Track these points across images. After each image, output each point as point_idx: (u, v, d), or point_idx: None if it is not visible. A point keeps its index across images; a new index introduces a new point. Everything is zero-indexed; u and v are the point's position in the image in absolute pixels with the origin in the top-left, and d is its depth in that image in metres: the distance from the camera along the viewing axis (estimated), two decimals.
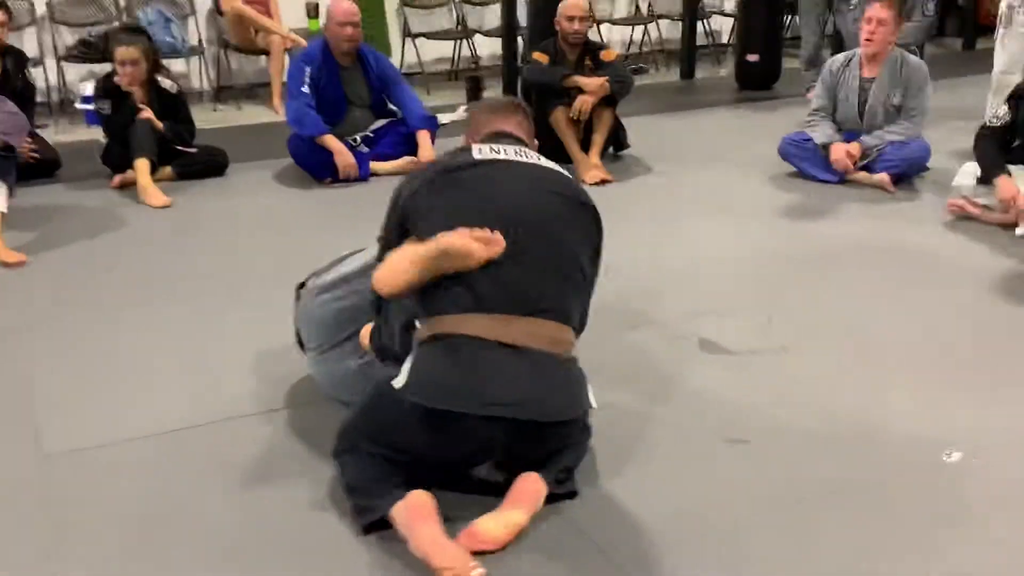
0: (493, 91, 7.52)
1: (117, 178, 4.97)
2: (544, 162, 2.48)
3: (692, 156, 5.58)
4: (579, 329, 2.42)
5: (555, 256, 2.31)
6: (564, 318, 2.30)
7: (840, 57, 5.16)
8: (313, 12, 7.66)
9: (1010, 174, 4.14)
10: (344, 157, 5.01)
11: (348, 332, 2.74)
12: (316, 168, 5.08)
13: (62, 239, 4.28)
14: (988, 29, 9.70)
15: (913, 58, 5.01)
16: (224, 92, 7.48)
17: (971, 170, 4.33)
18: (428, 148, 5.18)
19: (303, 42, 6.98)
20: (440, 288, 2.28)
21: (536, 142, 2.63)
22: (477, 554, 2.10)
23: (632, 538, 2.22)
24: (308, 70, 5.08)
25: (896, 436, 2.63)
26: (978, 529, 2.26)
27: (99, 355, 3.19)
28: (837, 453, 2.56)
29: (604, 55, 5.28)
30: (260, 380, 3.00)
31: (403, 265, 2.29)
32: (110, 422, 2.75)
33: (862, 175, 4.90)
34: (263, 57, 7.69)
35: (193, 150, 5.19)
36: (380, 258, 2.47)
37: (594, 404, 2.33)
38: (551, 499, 2.29)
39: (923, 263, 3.91)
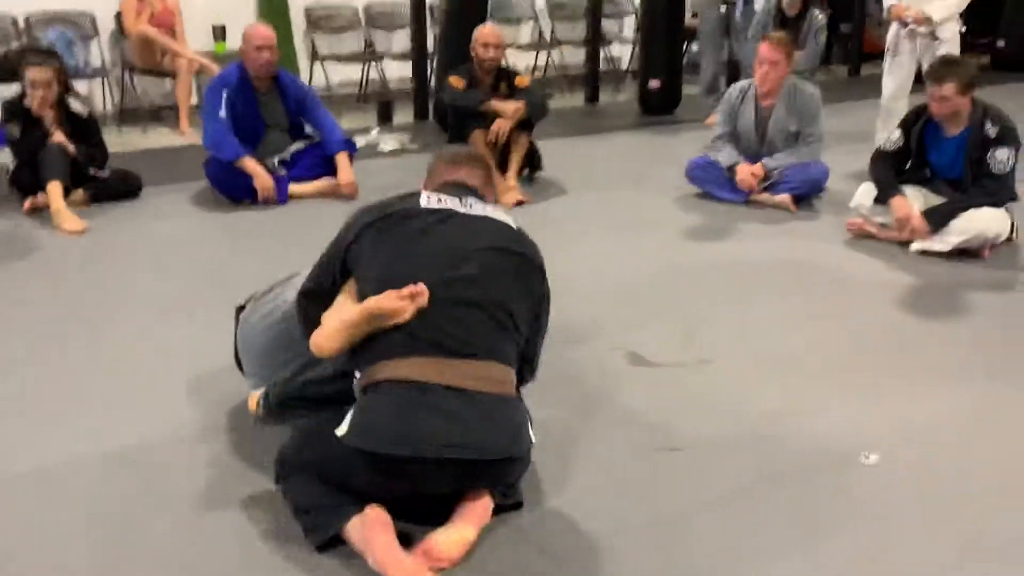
0: (404, 114, 7.60)
1: (28, 202, 4.87)
2: (492, 214, 2.52)
3: (603, 178, 5.76)
4: (527, 375, 2.54)
5: (488, 304, 2.34)
6: (501, 358, 2.34)
7: (738, 86, 5.41)
8: (219, 35, 7.64)
9: (904, 195, 4.41)
10: (263, 180, 5.02)
11: (283, 358, 2.77)
12: (234, 191, 5.08)
13: None
14: (872, 56, 10.28)
15: (807, 86, 5.28)
16: (128, 115, 7.38)
17: (868, 190, 4.60)
18: (347, 170, 5.23)
19: (212, 65, 6.96)
20: (377, 337, 2.32)
21: (493, 189, 2.72)
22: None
23: (582, 547, 2.32)
24: (225, 93, 5.08)
25: (816, 437, 2.81)
26: (891, 523, 2.43)
27: (27, 382, 3.14)
28: (763, 456, 2.71)
29: (518, 81, 5.44)
30: (199, 402, 3.01)
31: (336, 329, 2.35)
32: (46, 446, 2.73)
33: (764, 196, 5.15)
34: (167, 80, 7.64)
35: (106, 174, 5.12)
36: (304, 294, 2.54)
37: (533, 440, 2.38)
38: (497, 510, 2.37)
39: (829, 277, 4.15)
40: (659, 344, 3.43)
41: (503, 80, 5.43)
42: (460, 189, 2.56)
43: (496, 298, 2.37)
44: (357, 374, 2.38)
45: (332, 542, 2.26)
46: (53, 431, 2.83)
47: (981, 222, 4.22)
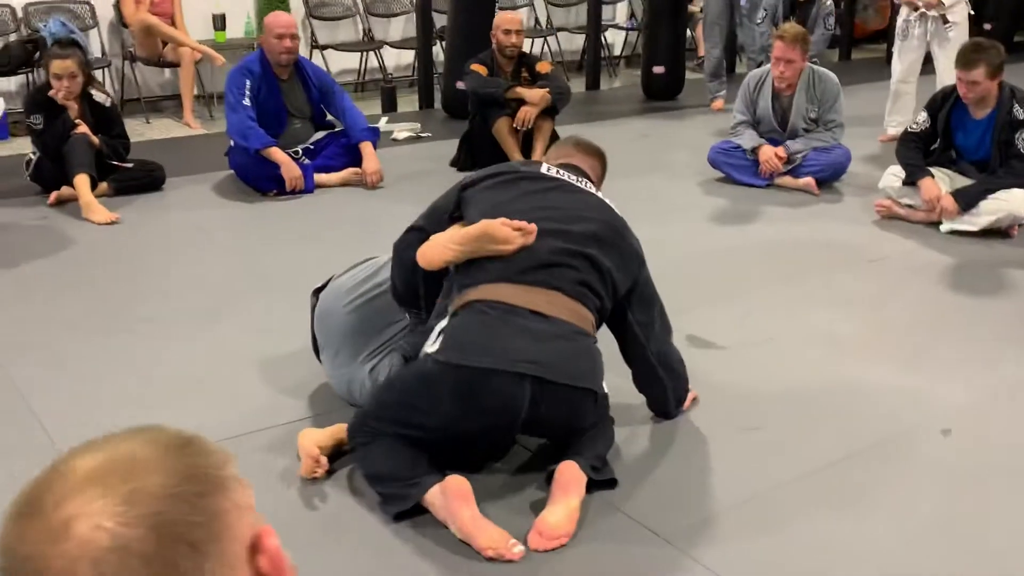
0: (406, 103, 7.59)
1: (53, 195, 4.82)
2: (600, 194, 2.67)
3: (623, 164, 5.73)
4: (660, 366, 2.66)
5: (585, 259, 2.46)
6: (585, 300, 2.44)
7: (754, 76, 5.45)
8: (219, 24, 7.58)
9: (932, 176, 4.50)
10: (291, 169, 5.00)
11: (359, 338, 2.81)
12: (261, 181, 5.05)
13: (8, 259, 4.14)
14: (861, 41, 10.41)
15: (825, 72, 5.34)
16: (129, 105, 7.30)
17: (896, 172, 4.68)
18: (373, 159, 5.22)
19: (218, 56, 6.91)
20: (472, 266, 2.45)
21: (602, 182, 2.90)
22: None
23: (680, 522, 2.36)
24: (248, 83, 5.05)
25: (890, 412, 2.88)
26: (979, 490, 2.50)
27: (97, 378, 3.12)
28: (844, 432, 2.77)
29: (540, 67, 5.46)
30: (274, 392, 3.01)
31: (446, 243, 2.48)
32: None
33: (787, 179, 5.21)
34: (167, 70, 7.58)
35: (129, 165, 5.08)
36: (410, 230, 2.66)
37: (606, 390, 2.49)
38: (590, 487, 2.39)
39: (866, 257, 4.23)
40: (716, 326, 3.47)
41: (524, 66, 5.45)
42: (577, 171, 2.72)
43: (594, 258, 2.47)
44: (449, 300, 2.47)
45: (409, 511, 2.32)
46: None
47: (1011, 203, 4.31)
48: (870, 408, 2.91)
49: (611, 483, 2.46)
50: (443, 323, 2.42)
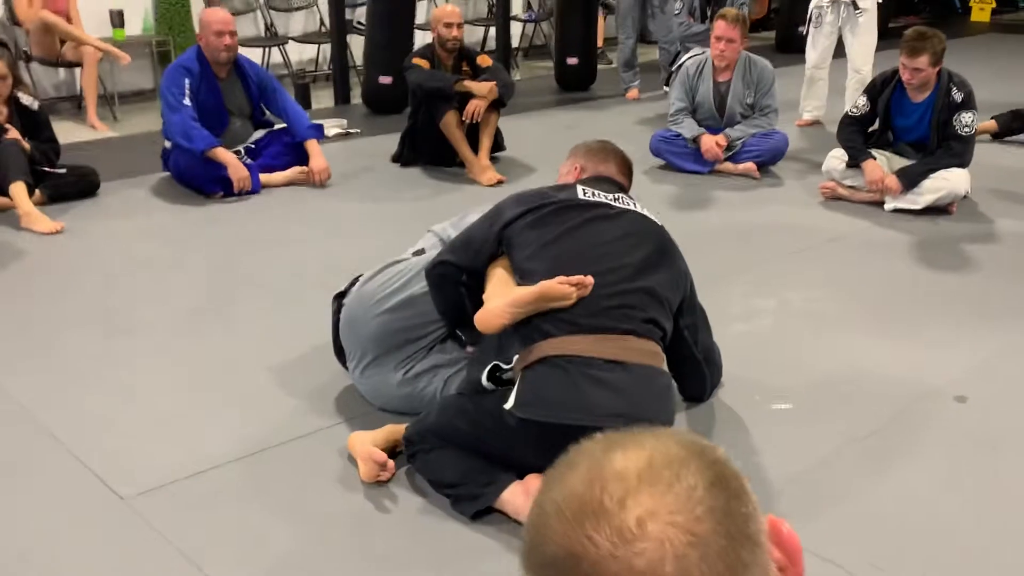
0: (320, 98, 7.45)
1: None
2: (639, 208, 2.66)
3: (561, 154, 5.81)
4: (713, 374, 2.76)
5: (643, 292, 2.47)
6: (652, 335, 2.45)
7: (693, 63, 5.60)
8: (117, 21, 7.25)
9: (875, 158, 4.72)
10: (239, 170, 4.85)
11: (391, 346, 2.77)
12: (206, 183, 4.88)
13: None
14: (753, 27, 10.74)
15: (759, 59, 5.53)
16: None
17: (838, 155, 4.89)
18: (320, 156, 5.12)
19: (123, 54, 6.61)
20: (534, 320, 2.41)
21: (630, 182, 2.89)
22: None
23: None
24: (187, 81, 4.87)
25: (903, 383, 3.03)
26: (1004, 452, 2.67)
27: (105, 393, 2.97)
28: (869, 406, 2.90)
29: (480, 60, 5.44)
30: (295, 399, 2.94)
31: (503, 308, 2.41)
32: (168, 460, 2.61)
33: (728, 165, 5.37)
34: (62, 70, 7.21)
35: (62, 170, 4.82)
36: (441, 268, 2.60)
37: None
38: None
39: (824, 237, 4.41)
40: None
41: (464, 60, 5.43)
42: (610, 184, 2.72)
43: (650, 286, 2.48)
44: (514, 357, 2.41)
45: (483, 511, 2.33)
46: (173, 438, 2.71)
47: (952, 182, 4.57)
48: (881, 382, 3.05)
49: None
50: (509, 366, 2.39)
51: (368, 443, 2.52)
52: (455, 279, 2.60)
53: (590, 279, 2.40)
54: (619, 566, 0.69)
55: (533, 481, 2.30)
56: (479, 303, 2.55)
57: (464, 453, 2.39)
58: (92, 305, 3.63)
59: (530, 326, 2.40)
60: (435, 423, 2.45)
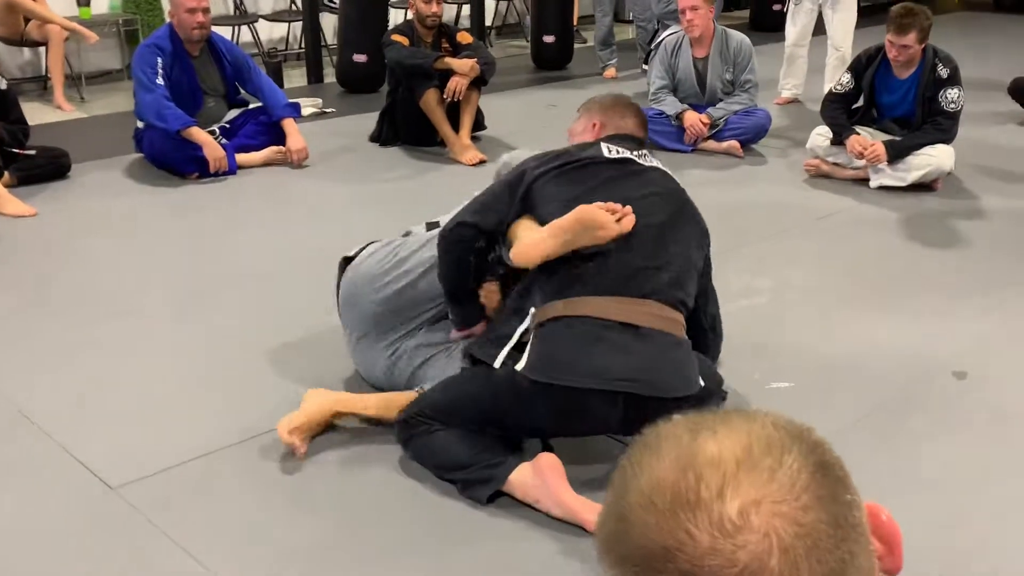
0: (296, 75, 7.32)
1: None
2: (660, 165, 2.59)
3: (541, 133, 5.73)
4: (713, 340, 2.66)
5: (668, 252, 2.39)
6: (675, 301, 2.37)
7: (671, 40, 5.54)
8: (84, 0, 7.06)
9: (859, 134, 4.69)
10: (215, 150, 4.73)
11: (383, 326, 2.71)
12: (181, 163, 4.76)
13: None
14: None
15: (736, 34, 5.47)
16: None
17: (822, 132, 4.86)
18: (296, 136, 5.01)
19: (90, 33, 6.44)
20: (557, 274, 2.36)
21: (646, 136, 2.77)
22: None
23: None
24: (159, 60, 4.74)
25: (905, 358, 3.00)
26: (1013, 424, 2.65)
27: (89, 381, 2.88)
28: (872, 382, 2.87)
29: (460, 37, 5.35)
30: (288, 384, 2.86)
31: (540, 238, 2.35)
32: (157, 448, 2.52)
33: (711, 143, 5.33)
34: (26, 50, 7.02)
35: (32, 152, 4.68)
36: (459, 234, 2.49)
37: (703, 383, 2.39)
38: None
39: (813, 215, 4.38)
40: None
41: (444, 36, 5.33)
42: (632, 141, 2.62)
43: (675, 246, 2.42)
44: (532, 310, 2.35)
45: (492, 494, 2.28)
46: (160, 427, 2.62)
47: (938, 158, 4.55)
48: (880, 359, 3.02)
49: None
50: (523, 326, 2.32)
51: (297, 423, 2.45)
52: (471, 243, 2.47)
53: (628, 210, 2.32)
54: (720, 560, 0.64)
55: (544, 458, 2.26)
56: (482, 275, 2.52)
57: (468, 433, 2.32)
58: (70, 291, 3.52)
59: (550, 282, 2.34)
60: (440, 399, 2.39)
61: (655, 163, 2.59)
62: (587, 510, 2.16)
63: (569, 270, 2.34)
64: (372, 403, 2.56)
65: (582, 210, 2.32)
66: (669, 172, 2.60)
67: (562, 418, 2.28)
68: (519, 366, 2.26)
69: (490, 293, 2.60)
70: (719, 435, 0.70)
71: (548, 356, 2.25)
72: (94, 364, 2.97)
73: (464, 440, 2.33)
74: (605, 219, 2.32)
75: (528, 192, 2.47)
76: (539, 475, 2.24)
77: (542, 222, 2.41)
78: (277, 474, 2.42)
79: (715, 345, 2.77)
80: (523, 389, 2.25)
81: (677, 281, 2.38)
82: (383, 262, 2.72)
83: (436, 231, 2.59)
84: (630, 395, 2.22)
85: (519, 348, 2.32)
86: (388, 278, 2.68)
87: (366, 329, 2.74)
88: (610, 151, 2.53)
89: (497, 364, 2.30)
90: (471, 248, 2.47)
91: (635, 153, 2.56)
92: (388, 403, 2.54)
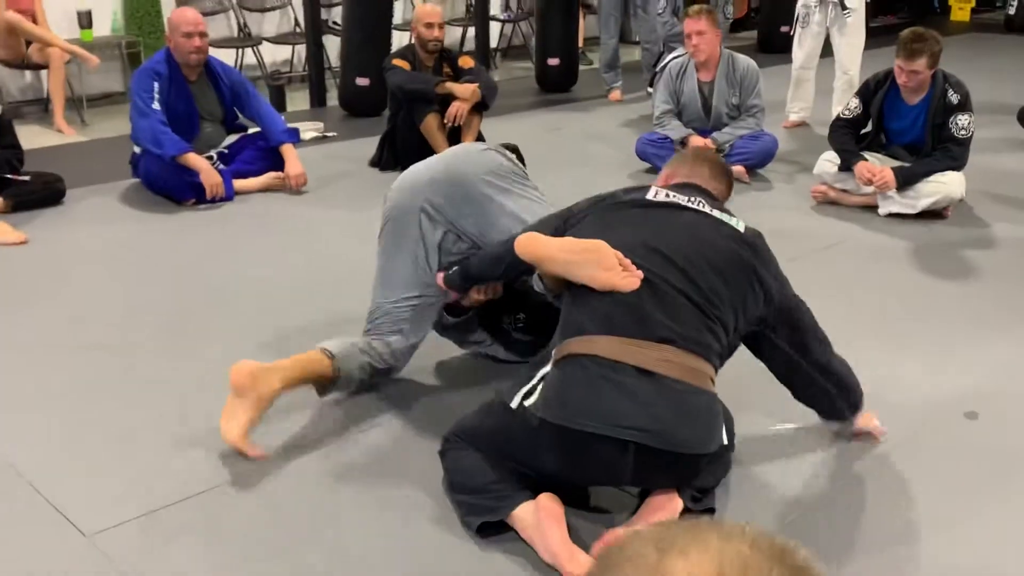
0: (295, 100, 7.27)
1: None
2: (717, 214, 2.41)
3: (547, 158, 5.67)
4: (824, 377, 2.51)
5: (693, 295, 2.24)
6: (700, 349, 2.22)
7: (676, 63, 5.47)
8: (85, 22, 7.04)
9: (867, 160, 4.60)
10: (212, 176, 4.66)
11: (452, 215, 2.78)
12: (178, 190, 4.69)
13: None
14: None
15: (742, 58, 5.40)
16: None
17: (830, 158, 4.77)
18: (295, 161, 4.94)
19: (91, 57, 6.39)
20: (575, 311, 2.29)
21: (728, 193, 2.69)
22: None
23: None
24: (156, 85, 4.68)
25: (912, 399, 2.90)
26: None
27: (69, 419, 2.79)
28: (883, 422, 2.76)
29: (462, 61, 5.29)
30: (275, 425, 2.76)
31: (546, 241, 2.36)
32: (135, 492, 2.43)
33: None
34: (28, 72, 6.99)
35: (26, 177, 4.62)
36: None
37: (726, 441, 2.30)
38: (684, 512, 2.29)
39: (821, 244, 4.28)
40: None
41: (446, 61, 5.27)
42: (693, 190, 2.49)
43: (703, 292, 2.26)
44: (553, 352, 2.28)
45: (492, 526, 2.22)
46: (140, 470, 2.53)
47: (949, 185, 4.45)
48: (889, 399, 2.90)
49: (709, 511, 2.33)
50: (544, 369, 2.25)
51: (243, 427, 2.51)
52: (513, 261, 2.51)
53: (638, 274, 2.23)
54: None
55: (545, 500, 2.19)
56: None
57: (489, 460, 2.28)
58: (56, 322, 3.44)
59: (569, 321, 2.28)
60: (470, 425, 2.37)
61: (708, 209, 2.41)
62: (571, 561, 2.08)
63: (588, 309, 2.25)
64: (290, 372, 2.62)
65: (597, 243, 2.26)
66: (731, 222, 2.40)
67: (570, 461, 2.19)
68: (529, 403, 2.20)
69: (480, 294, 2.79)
70: (690, 557, 0.60)
71: (557, 395, 2.17)
72: (73, 401, 2.88)
73: (484, 467, 2.28)
74: (611, 264, 2.23)
75: (566, 226, 2.45)
76: (536, 515, 2.18)
77: None
78: (260, 519, 2.32)
79: (837, 391, 2.55)
80: (533, 428, 2.17)
81: (701, 330, 2.23)
82: (510, 169, 2.82)
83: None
84: (641, 446, 2.11)
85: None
86: (502, 182, 2.77)
87: (440, 207, 2.76)
88: (656, 195, 2.43)
89: (514, 405, 2.23)
90: (511, 264, 2.53)
91: (684, 198, 2.41)
92: (303, 367, 2.67)
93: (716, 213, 2.41)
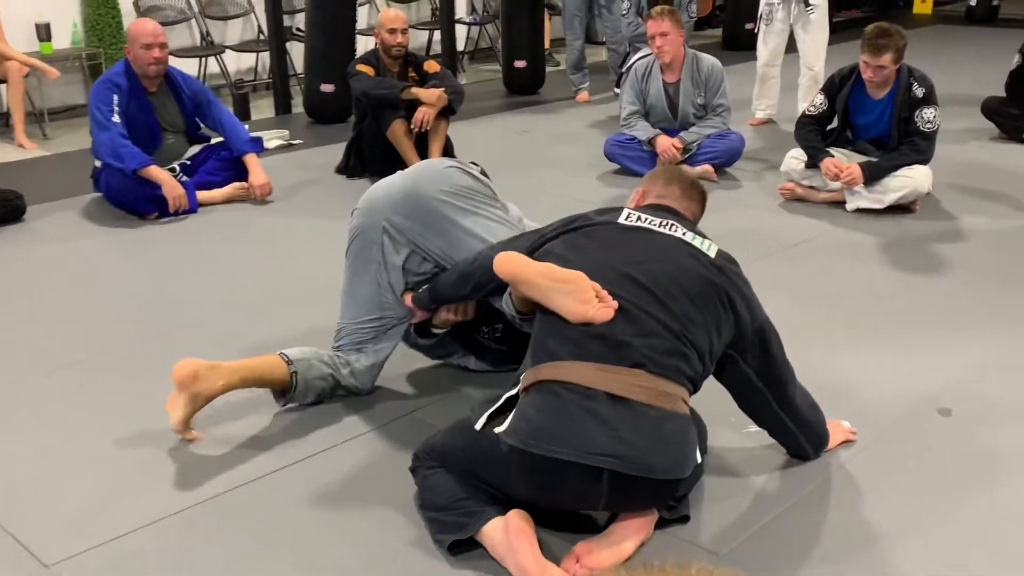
0: (259, 108, 7.20)
1: None
2: (688, 237, 2.37)
3: (514, 161, 5.67)
4: (787, 416, 2.48)
5: (664, 320, 2.21)
6: (673, 374, 2.19)
7: (641, 64, 5.45)
8: (44, 34, 6.94)
9: (833, 156, 4.60)
10: (174, 188, 4.59)
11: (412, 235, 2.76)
12: (140, 203, 4.62)
13: None
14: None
15: (707, 58, 5.38)
16: None
17: (796, 155, 4.77)
18: (259, 171, 4.88)
19: (51, 69, 6.29)
20: (546, 335, 2.25)
21: (700, 213, 2.69)
22: None
23: (735, 534, 2.28)
24: (115, 97, 4.60)
25: (885, 395, 2.89)
26: (996, 462, 2.53)
27: (28, 442, 2.72)
28: (854, 421, 2.74)
29: (427, 66, 5.24)
30: (238, 445, 2.71)
31: (526, 263, 2.33)
32: (97, 518, 2.37)
33: (684, 168, 5.20)
34: None
35: None
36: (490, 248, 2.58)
37: (700, 460, 2.27)
38: (660, 524, 2.28)
39: (789, 241, 4.26)
40: None
41: (411, 66, 5.22)
42: (667, 212, 2.47)
43: (677, 316, 2.23)
44: (522, 375, 2.25)
45: (464, 544, 2.19)
46: (98, 497, 2.47)
47: (915, 179, 4.46)
48: (862, 397, 2.90)
49: (683, 519, 2.32)
50: (512, 392, 2.22)
51: (183, 418, 2.61)
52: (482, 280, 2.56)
53: (613, 305, 2.20)
54: None
55: (514, 517, 2.14)
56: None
57: (460, 480, 2.24)
58: (15, 341, 3.37)
59: (541, 342, 2.25)
60: (439, 442, 2.34)
61: (680, 233, 2.38)
62: (539, 574, 2.05)
63: (559, 334, 2.22)
64: (238, 374, 2.67)
65: (576, 275, 2.23)
66: (699, 246, 2.37)
67: (542, 489, 2.15)
68: (499, 429, 2.15)
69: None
70: None
71: (528, 422, 2.12)
72: (32, 424, 2.82)
73: (452, 485, 2.25)
74: (588, 297, 2.20)
75: (539, 248, 2.43)
76: (506, 532, 2.13)
77: None
78: (226, 542, 2.27)
79: (803, 432, 2.51)
80: (503, 454, 2.13)
81: (673, 354, 2.20)
82: (473, 187, 2.78)
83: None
84: (615, 473, 2.08)
85: (508, 409, 2.21)
86: (463, 202, 2.73)
87: (400, 224, 2.74)
88: (628, 217, 2.41)
89: (478, 427, 2.20)
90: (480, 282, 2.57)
91: (656, 222, 2.39)
92: (255, 370, 2.72)
93: (688, 237, 2.38)
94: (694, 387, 2.27)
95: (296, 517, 2.36)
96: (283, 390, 2.77)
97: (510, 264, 2.34)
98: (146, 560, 2.21)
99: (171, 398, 2.62)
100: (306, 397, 2.80)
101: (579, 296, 2.19)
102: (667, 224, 2.39)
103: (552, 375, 2.15)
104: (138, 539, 2.28)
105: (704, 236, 2.43)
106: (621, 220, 2.40)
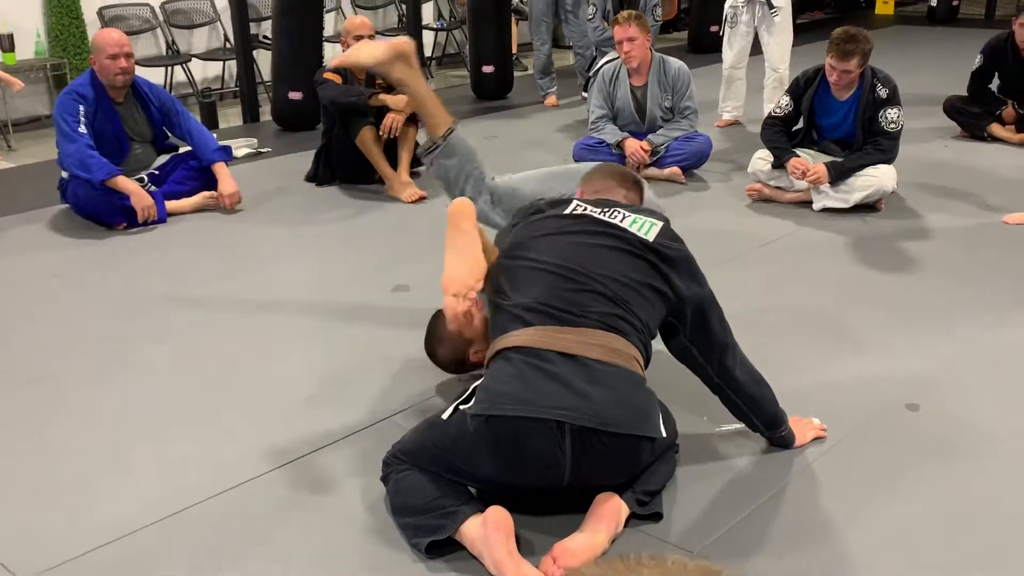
0: (232, 114, 7.17)
1: None
2: (626, 223, 2.48)
3: (487, 165, 5.64)
4: (722, 381, 2.55)
5: (603, 292, 2.33)
6: (617, 330, 2.30)
7: (608, 68, 5.49)
8: (7, 45, 6.89)
9: (799, 156, 4.65)
10: (143, 199, 4.57)
11: None
12: (108, 214, 4.59)
13: None
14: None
15: (673, 61, 5.42)
16: None
17: (763, 156, 4.82)
18: (228, 180, 4.86)
19: (15, 81, 6.23)
20: (498, 316, 2.41)
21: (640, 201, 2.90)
22: None
23: (706, 533, 2.31)
24: (81, 108, 4.57)
25: (858, 393, 2.92)
26: (968, 458, 2.58)
27: (4, 459, 2.71)
28: (826, 417, 2.77)
29: None
30: (211, 458, 2.71)
31: (462, 216, 2.67)
32: (71, 531, 2.36)
33: (653, 171, 5.26)
34: None
35: None
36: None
37: (664, 433, 2.31)
38: (633, 519, 2.31)
39: (758, 241, 4.31)
40: None
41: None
42: (604, 204, 2.62)
43: (612, 290, 2.35)
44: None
45: (441, 546, 2.20)
46: (76, 508, 2.46)
47: (880, 179, 4.52)
48: (831, 395, 2.94)
49: (656, 517, 2.35)
50: (479, 382, 2.33)
51: (473, 282, 2.65)
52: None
53: (473, 312, 2.56)
54: None
55: (492, 513, 2.17)
56: None
57: (432, 478, 2.27)
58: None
59: (495, 324, 2.41)
60: (408, 441, 2.38)
61: (620, 220, 2.49)
62: (517, 573, 2.08)
63: (506, 311, 2.37)
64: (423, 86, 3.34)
65: (457, 269, 2.57)
66: (640, 234, 2.45)
67: (508, 460, 2.19)
68: (464, 407, 2.24)
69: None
70: None
71: (486, 390, 2.23)
72: (6, 437, 2.80)
73: (427, 485, 2.27)
74: (464, 290, 2.53)
75: (511, 233, 2.66)
76: (484, 529, 2.16)
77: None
78: (200, 552, 2.27)
79: (748, 406, 2.56)
80: (469, 433, 2.20)
81: (615, 315, 2.31)
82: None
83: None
84: (576, 429, 2.13)
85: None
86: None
87: None
88: (575, 208, 2.59)
89: (445, 416, 2.28)
90: None
91: (598, 211, 2.55)
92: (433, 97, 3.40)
93: (626, 222, 2.49)
94: (644, 349, 2.35)
95: (270, 527, 2.36)
96: (430, 143, 3.31)
97: (457, 211, 2.66)
98: (121, 572, 2.20)
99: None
100: (450, 158, 3.31)
101: (455, 294, 2.52)
102: (607, 212, 2.55)
103: (505, 344, 2.29)
104: (113, 551, 2.27)
105: (649, 218, 2.54)
106: (567, 211, 2.58)
